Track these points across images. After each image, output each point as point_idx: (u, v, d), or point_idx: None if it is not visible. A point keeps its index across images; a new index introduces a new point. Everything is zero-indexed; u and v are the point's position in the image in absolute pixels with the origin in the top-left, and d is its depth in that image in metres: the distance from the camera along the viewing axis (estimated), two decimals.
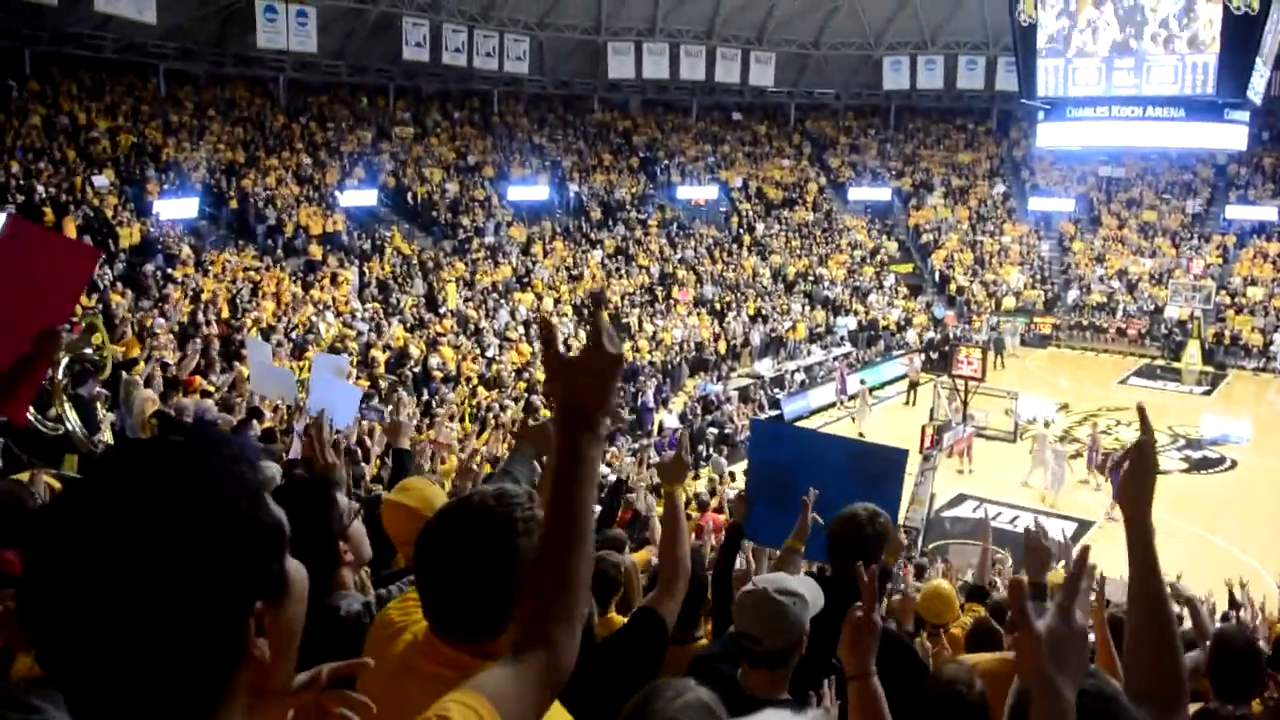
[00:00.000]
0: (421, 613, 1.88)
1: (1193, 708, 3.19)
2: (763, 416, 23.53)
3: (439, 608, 1.78)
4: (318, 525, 2.46)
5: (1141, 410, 2.20)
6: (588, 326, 1.55)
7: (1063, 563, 4.32)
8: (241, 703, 1.02)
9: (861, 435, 22.58)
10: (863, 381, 26.00)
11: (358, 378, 17.54)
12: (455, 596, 1.73)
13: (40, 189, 21.00)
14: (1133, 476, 2.11)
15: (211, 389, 13.00)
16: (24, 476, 3.70)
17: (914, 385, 26.61)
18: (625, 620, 3.72)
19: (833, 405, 26.07)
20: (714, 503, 14.04)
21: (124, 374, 12.02)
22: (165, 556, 0.92)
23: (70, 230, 19.73)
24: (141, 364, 12.76)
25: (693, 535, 7.53)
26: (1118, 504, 2.20)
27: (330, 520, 2.49)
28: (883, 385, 27.77)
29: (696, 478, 17.80)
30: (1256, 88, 21.61)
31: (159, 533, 0.92)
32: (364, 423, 12.77)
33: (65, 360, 6.50)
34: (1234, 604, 11.08)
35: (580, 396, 1.51)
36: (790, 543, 3.98)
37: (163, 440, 1.04)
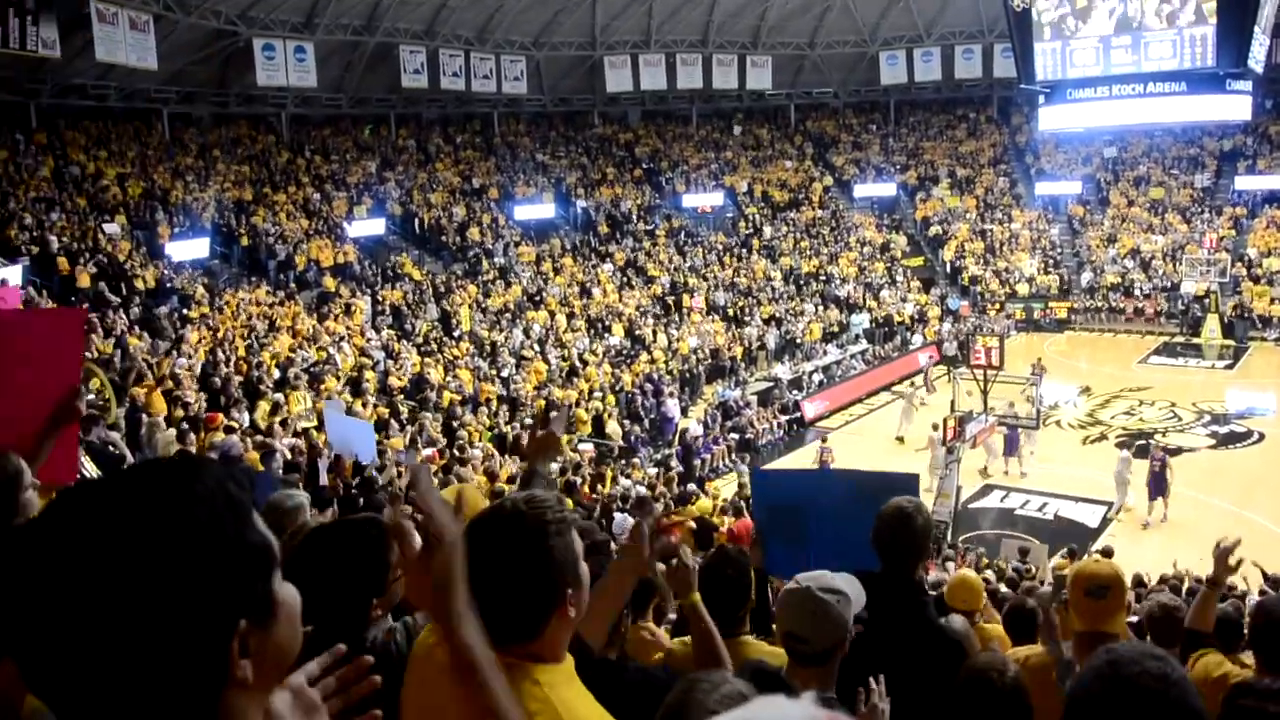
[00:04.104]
0: None
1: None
2: (782, 419, 23.51)
3: (479, 613, 1.77)
4: (366, 565, 2.46)
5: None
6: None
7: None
8: None
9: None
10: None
11: (376, 405, 17.61)
12: (494, 601, 1.72)
13: (54, 240, 21.21)
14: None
15: (235, 425, 13.09)
16: None
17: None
18: (662, 641, 3.71)
19: (855, 403, 25.99)
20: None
21: (145, 416, 12.15)
22: (146, 574, 0.91)
23: (84, 279, 19.93)
24: (162, 404, 12.87)
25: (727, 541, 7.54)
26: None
27: (378, 563, 2.48)
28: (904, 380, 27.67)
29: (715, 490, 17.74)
30: (1257, 56, 21.37)
31: (139, 550, 0.92)
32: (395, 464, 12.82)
33: None
34: (1268, 579, 10.93)
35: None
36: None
37: (149, 463, 1.03)
